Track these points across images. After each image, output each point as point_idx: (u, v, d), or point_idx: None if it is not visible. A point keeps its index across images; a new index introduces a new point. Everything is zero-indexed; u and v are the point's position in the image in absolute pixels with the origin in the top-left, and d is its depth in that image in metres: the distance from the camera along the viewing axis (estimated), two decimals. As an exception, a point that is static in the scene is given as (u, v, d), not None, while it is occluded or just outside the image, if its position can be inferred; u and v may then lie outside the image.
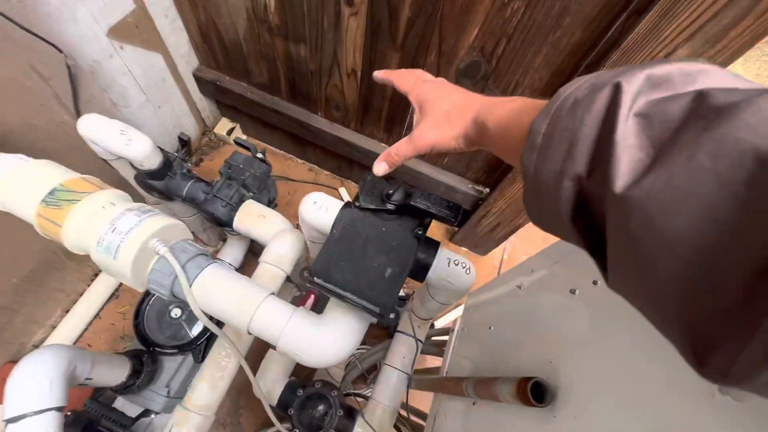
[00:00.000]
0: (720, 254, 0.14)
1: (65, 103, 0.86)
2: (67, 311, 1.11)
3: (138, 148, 0.77)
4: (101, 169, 1.00)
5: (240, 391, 1.13)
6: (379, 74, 0.47)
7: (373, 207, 0.46)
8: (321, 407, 0.78)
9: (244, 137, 1.48)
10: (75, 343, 1.10)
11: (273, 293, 0.56)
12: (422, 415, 0.86)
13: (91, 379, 0.66)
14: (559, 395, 0.36)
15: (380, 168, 0.42)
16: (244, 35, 1.01)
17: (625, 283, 0.19)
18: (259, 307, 0.52)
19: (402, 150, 0.39)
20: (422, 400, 0.89)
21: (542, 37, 0.70)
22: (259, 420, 1.10)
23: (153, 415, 0.88)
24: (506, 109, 0.30)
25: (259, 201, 0.95)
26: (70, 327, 1.08)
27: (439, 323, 1.24)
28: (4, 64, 0.71)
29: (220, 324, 0.66)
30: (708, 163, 0.15)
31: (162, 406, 0.88)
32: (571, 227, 0.22)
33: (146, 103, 1.09)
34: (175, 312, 0.94)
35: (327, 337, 0.51)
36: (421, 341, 0.84)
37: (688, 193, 0.15)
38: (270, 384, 0.79)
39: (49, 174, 0.54)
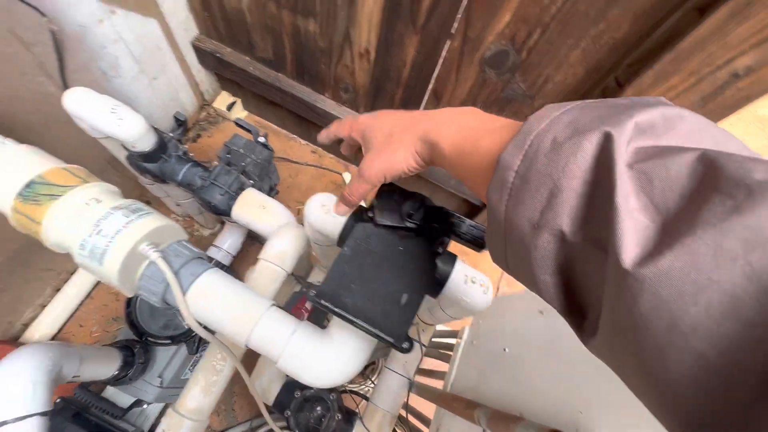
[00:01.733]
0: (738, 354, 0.13)
1: (50, 72, 0.78)
2: (58, 290, 1.07)
3: (130, 128, 0.71)
4: (90, 145, 0.94)
5: (234, 379, 1.11)
6: (322, 137, 0.43)
7: (390, 224, 0.41)
8: (318, 409, 0.76)
9: (245, 113, 1.40)
10: (66, 324, 1.06)
11: (274, 304, 0.52)
12: (424, 419, 0.84)
13: (78, 376, 0.63)
14: (593, 458, 0.32)
15: (341, 210, 0.40)
16: (248, 4, 0.92)
17: (615, 356, 0.18)
18: (259, 322, 0.48)
19: (356, 189, 0.36)
20: (425, 401, 0.87)
21: (582, 29, 0.62)
22: (254, 408, 1.09)
23: (145, 405, 0.86)
24: (458, 128, 0.28)
25: (259, 189, 0.89)
26: (60, 307, 1.05)
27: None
28: (-22, 28, 0.63)
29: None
30: (740, 250, 0.13)
31: (154, 396, 0.85)
32: (546, 282, 0.20)
33: (140, 74, 1.01)
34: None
35: (332, 359, 0.47)
36: (425, 346, 0.81)
37: (710, 279, 0.13)
38: (266, 383, 0.76)
39: (28, 163, 0.48)
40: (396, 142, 0.31)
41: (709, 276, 0.13)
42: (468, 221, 0.40)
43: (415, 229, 0.42)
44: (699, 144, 0.17)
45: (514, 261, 0.22)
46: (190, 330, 0.88)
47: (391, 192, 0.42)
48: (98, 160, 1.00)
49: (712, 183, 0.15)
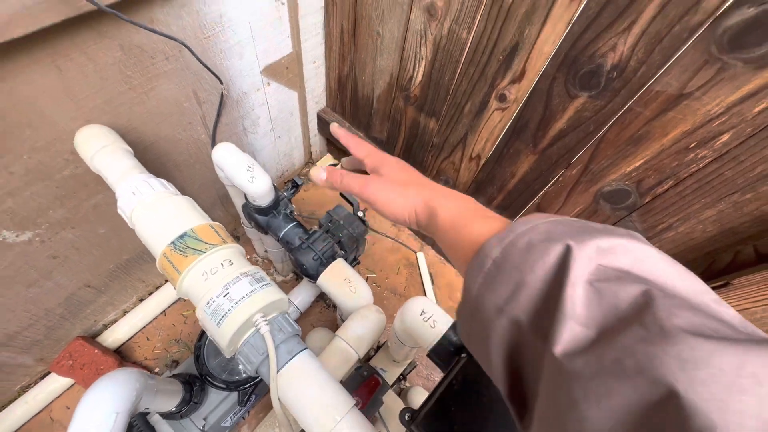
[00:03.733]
0: None
1: (207, 124, 0.92)
2: (141, 300, 1.16)
3: (258, 187, 0.79)
4: (211, 184, 1.06)
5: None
6: (336, 130, 0.46)
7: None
8: None
9: (341, 176, 1.51)
10: (137, 333, 1.14)
11: (355, 404, 0.50)
12: None
13: (148, 409, 0.65)
14: None
15: (318, 174, 0.40)
16: (379, 95, 1.03)
17: None
18: (339, 423, 0.47)
19: (352, 185, 0.37)
20: None
21: (724, 193, 0.60)
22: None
23: (183, 445, 0.86)
24: (457, 207, 0.31)
25: (345, 259, 0.93)
26: (138, 317, 1.13)
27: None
28: (174, 86, 0.78)
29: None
30: (633, 372, 0.16)
31: (194, 438, 0.85)
32: (497, 364, 0.23)
33: (270, 133, 1.15)
34: (235, 344, 0.93)
35: (405, 491, 0.44)
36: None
37: (611, 389, 0.16)
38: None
39: (185, 215, 0.55)
40: (405, 192, 0.34)
41: (611, 385, 0.16)
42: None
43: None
44: (648, 275, 0.19)
45: (476, 339, 0.25)
46: (246, 380, 0.89)
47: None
48: (213, 196, 1.13)
49: (642, 319, 0.17)
